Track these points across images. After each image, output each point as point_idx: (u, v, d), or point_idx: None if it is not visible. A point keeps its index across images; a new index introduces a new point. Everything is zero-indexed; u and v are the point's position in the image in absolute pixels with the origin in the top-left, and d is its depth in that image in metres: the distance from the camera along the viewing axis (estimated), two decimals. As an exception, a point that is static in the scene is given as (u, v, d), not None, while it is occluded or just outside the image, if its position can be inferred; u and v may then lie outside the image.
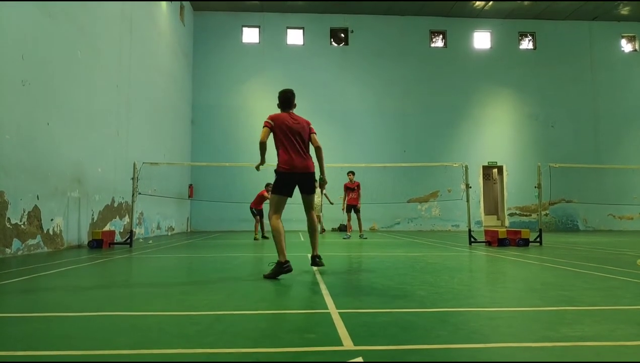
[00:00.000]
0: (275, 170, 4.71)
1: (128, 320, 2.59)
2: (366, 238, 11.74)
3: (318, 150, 4.92)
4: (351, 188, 12.10)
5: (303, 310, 2.87)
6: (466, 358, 1.91)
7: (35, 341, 2.15)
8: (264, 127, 4.66)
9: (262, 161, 4.91)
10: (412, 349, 2.01)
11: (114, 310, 2.83)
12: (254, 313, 2.77)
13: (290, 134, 4.68)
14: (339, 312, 2.71)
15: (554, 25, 19.75)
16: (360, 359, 1.82)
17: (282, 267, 4.36)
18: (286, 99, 4.91)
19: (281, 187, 4.66)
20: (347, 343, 2.06)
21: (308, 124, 4.92)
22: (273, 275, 4.33)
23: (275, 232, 4.56)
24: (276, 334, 2.26)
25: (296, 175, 4.66)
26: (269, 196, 4.91)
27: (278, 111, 4.93)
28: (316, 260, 4.99)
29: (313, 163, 4.83)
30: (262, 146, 4.69)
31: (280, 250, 4.45)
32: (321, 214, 14.17)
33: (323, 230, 14.51)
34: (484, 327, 2.48)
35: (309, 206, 4.90)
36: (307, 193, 4.82)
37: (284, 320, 2.62)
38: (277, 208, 4.67)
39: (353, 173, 12.27)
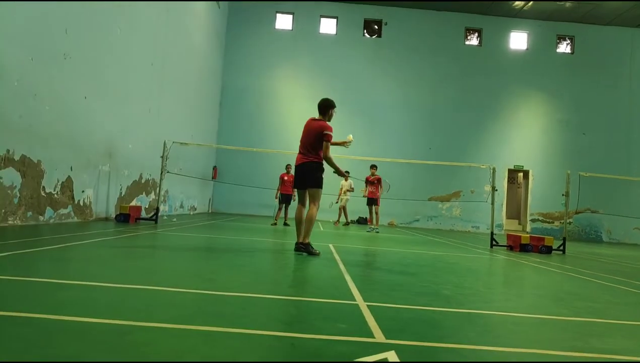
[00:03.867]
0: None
1: (165, 295, 2.69)
2: (378, 232, 11.74)
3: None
4: (371, 182, 12.12)
5: (331, 299, 2.93)
6: (497, 361, 1.94)
7: (78, 308, 2.25)
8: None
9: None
10: (442, 347, 2.04)
11: (150, 285, 2.94)
12: (284, 298, 2.85)
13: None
14: (367, 305, 2.76)
15: (595, 29, 19.20)
16: (384, 356, 1.86)
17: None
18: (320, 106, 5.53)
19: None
20: (379, 336, 2.10)
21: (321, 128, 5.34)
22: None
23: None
24: (308, 321, 2.32)
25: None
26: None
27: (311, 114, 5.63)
28: (300, 247, 5.32)
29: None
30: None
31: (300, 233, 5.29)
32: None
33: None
34: (511, 331, 2.50)
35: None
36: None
37: (314, 307, 2.68)
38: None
39: (375, 167, 12.31)
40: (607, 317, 3.04)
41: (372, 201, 12.11)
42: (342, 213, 14.63)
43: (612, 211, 16.94)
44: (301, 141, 5.38)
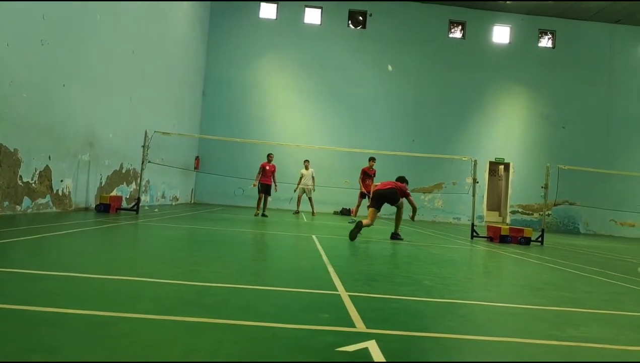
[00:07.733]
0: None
1: (146, 286, 2.66)
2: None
3: None
4: (369, 175, 11.42)
5: (314, 290, 2.94)
6: (477, 350, 1.98)
7: (57, 299, 2.22)
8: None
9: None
10: (423, 336, 2.07)
11: (131, 276, 2.91)
12: (266, 289, 2.85)
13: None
14: (349, 295, 2.78)
15: (576, 24, 19.47)
16: (365, 345, 1.88)
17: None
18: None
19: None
20: (360, 326, 2.12)
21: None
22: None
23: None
24: (291, 311, 2.32)
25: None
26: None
27: None
28: (395, 236, 7.59)
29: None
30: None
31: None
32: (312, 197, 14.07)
33: (297, 212, 14.55)
34: (491, 321, 2.55)
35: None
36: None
37: (297, 298, 2.69)
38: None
39: (374, 159, 11.56)
40: (583, 306, 3.12)
41: (368, 194, 11.66)
42: (310, 204, 14.23)
43: (589, 203, 17.33)
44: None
